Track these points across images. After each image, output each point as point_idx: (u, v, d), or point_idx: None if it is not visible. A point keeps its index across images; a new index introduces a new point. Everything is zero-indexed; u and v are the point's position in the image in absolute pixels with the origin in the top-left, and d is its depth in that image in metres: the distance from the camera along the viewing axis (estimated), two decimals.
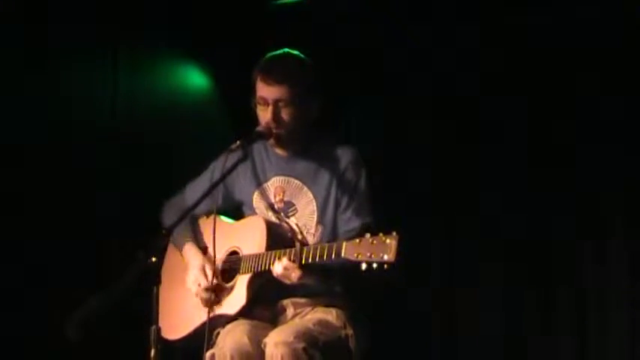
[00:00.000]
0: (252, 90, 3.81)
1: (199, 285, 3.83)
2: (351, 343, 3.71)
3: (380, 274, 3.35)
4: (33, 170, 4.70)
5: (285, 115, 3.75)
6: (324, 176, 3.80)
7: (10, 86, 4.67)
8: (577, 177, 4.66)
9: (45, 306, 4.60)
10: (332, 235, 3.75)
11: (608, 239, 4.62)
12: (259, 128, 3.77)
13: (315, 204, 3.80)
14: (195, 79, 5.36)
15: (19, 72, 4.70)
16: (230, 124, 5.13)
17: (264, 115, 3.77)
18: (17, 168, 4.66)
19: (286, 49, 3.85)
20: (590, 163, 4.62)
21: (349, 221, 3.74)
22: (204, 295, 3.81)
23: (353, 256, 3.40)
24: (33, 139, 4.71)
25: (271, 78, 3.75)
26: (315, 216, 3.79)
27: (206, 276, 3.81)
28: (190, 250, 3.95)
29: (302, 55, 3.83)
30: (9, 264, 4.60)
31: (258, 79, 3.78)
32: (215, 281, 3.81)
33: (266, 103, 3.76)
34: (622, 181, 4.58)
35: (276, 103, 3.75)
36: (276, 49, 3.85)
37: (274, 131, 3.76)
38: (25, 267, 4.65)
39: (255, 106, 3.81)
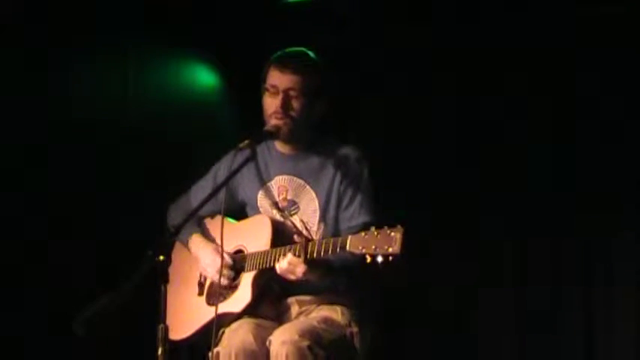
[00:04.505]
0: (262, 80, 3.82)
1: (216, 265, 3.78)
2: (357, 342, 3.71)
3: (385, 268, 3.36)
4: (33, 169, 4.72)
5: (294, 104, 3.76)
6: (327, 174, 3.80)
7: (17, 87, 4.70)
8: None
9: (45, 306, 4.61)
10: (334, 234, 3.75)
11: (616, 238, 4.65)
12: (267, 127, 3.77)
13: (317, 202, 3.80)
14: (204, 76, 5.36)
15: (28, 72, 4.73)
16: (238, 123, 5.16)
17: (272, 103, 3.78)
18: (17, 166, 4.68)
19: (302, 48, 3.88)
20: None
21: (351, 218, 3.74)
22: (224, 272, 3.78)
23: (358, 249, 3.41)
24: (55, 139, 4.76)
25: (286, 67, 3.77)
26: (317, 214, 3.80)
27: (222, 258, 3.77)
28: (197, 239, 3.95)
29: (316, 56, 3.86)
30: (9, 263, 4.59)
31: (272, 67, 3.80)
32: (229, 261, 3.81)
33: (276, 91, 3.77)
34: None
35: (287, 91, 3.76)
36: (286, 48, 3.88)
37: (279, 122, 3.76)
38: (24, 266, 4.64)
39: (263, 94, 3.82)
